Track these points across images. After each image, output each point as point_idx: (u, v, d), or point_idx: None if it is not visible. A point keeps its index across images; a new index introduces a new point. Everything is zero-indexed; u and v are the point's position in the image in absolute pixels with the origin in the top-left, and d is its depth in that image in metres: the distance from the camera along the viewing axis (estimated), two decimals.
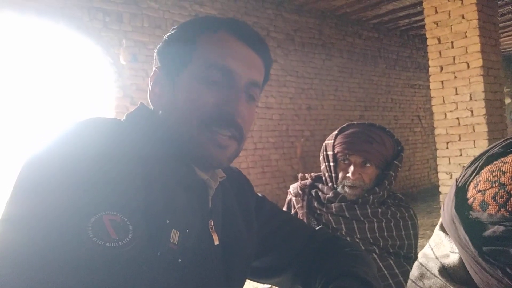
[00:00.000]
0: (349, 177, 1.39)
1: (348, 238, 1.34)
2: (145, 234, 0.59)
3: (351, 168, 1.38)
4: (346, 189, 1.40)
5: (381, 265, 1.31)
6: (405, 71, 9.14)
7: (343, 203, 1.41)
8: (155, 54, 0.80)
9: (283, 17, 6.72)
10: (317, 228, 1.01)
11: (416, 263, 0.78)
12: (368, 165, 1.38)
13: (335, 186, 1.45)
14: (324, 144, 1.50)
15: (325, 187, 1.48)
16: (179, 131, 0.72)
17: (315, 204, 1.47)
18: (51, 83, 5.42)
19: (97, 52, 5.08)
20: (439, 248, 0.73)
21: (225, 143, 0.73)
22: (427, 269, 0.74)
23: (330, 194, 1.44)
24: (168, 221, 0.65)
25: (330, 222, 1.42)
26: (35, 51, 5.21)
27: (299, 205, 1.52)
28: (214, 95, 0.72)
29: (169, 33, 0.79)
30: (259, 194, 0.99)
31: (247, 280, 0.92)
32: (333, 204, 1.43)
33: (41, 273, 0.51)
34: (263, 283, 1.01)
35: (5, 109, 5.20)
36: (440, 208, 5.63)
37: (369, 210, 1.40)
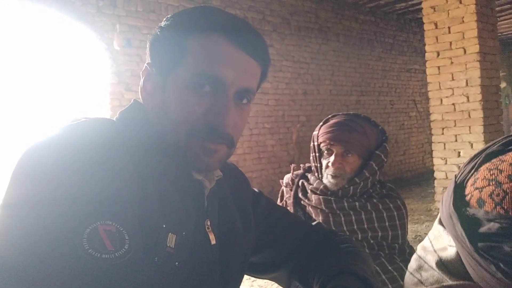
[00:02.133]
0: (330, 166, 1.41)
1: None
2: (141, 241, 0.58)
3: (332, 157, 1.41)
4: (329, 178, 1.42)
5: None
6: (401, 55, 9.10)
7: (321, 196, 1.44)
8: (147, 45, 0.76)
9: (279, 1, 6.63)
10: (313, 224, 1.01)
11: (414, 256, 0.80)
12: (350, 155, 1.40)
13: (320, 176, 1.47)
14: (312, 135, 1.53)
15: (312, 177, 1.51)
16: (168, 137, 0.71)
17: (300, 195, 1.50)
18: (45, 70, 5.35)
19: (91, 37, 5.01)
20: (438, 241, 0.75)
21: (215, 148, 0.71)
22: (425, 262, 0.75)
23: (314, 185, 1.47)
24: (164, 226, 0.64)
25: (311, 214, 1.45)
26: (27, 36, 5.12)
27: (287, 195, 1.57)
28: (203, 105, 0.69)
29: (161, 25, 0.74)
30: (256, 190, 0.99)
31: (245, 275, 0.92)
32: (313, 196, 1.46)
33: (35, 282, 0.50)
34: (261, 278, 1.01)
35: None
36: (434, 193, 5.72)
37: (345, 204, 1.42)
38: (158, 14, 5.33)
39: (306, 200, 1.48)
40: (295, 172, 1.60)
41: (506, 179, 0.63)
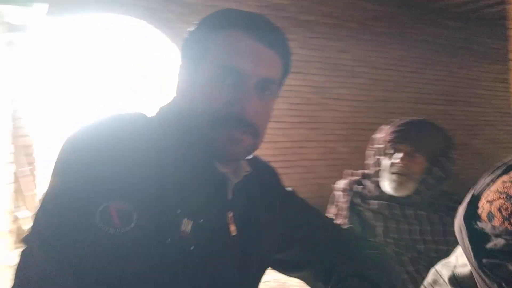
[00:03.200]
0: (396, 163, 1.34)
1: (383, 236, 1.34)
2: (151, 222, 0.64)
3: (400, 154, 1.35)
4: (394, 177, 1.35)
5: (412, 269, 1.30)
6: (494, 64, 8.40)
7: (384, 201, 1.38)
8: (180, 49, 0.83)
9: (357, 6, 6.52)
10: (345, 227, 1.00)
11: (432, 270, 0.81)
12: (417, 155, 1.34)
13: (379, 181, 1.41)
14: (372, 137, 1.50)
15: (369, 182, 1.47)
16: (194, 129, 0.76)
17: (357, 200, 1.46)
18: (126, 78, 5.79)
19: (172, 44, 5.33)
20: (463, 257, 0.73)
21: (239, 137, 0.75)
22: (441, 276, 0.77)
23: (373, 189, 1.42)
24: (179, 211, 0.70)
25: (368, 219, 1.41)
26: (112, 45, 5.60)
27: (342, 200, 1.52)
28: (225, 96, 0.74)
29: (190, 29, 0.81)
30: (289, 188, 1.01)
31: (275, 271, 0.98)
32: (373, 201, 1.41)
33: (56, 248, 0.61)
34: (288, 275, 1.00)
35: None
36: None
37: (411, 212, 1.35)
38: None
39: (364, 205, 1.43)
40: (352, 178, 1.57)
41: None
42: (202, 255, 0.73)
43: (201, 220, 0.72)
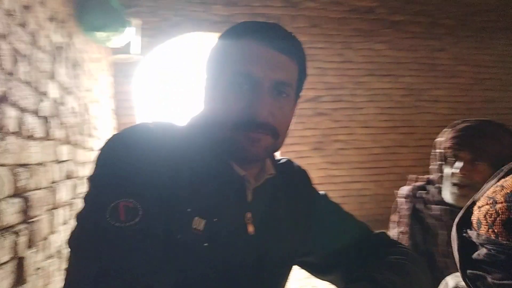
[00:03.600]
0: (456, 173, 1.26)
1: (445, 246, 1.27)
2: (158, 218, 0.72)
3: (459, 164, 1.26)
4: (454, 189, 1.26)
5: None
6: None
7: (448, 207, 1.30)
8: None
9: (454, 1, 6.08)
10: (376, 232, 1.00)
11: (443, 281, 0.80)
12: (479, 163, 1.23)
13: (441, 187, 1.34)
14: (434, 141, 1.41)
15: (432, 188, 1.40)
16: (216, 134, 0.82)
17: (420, 206, 1.40)
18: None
19: None
20: None
21: (258, 137, 0.80)
22: (447, 285, 0.77)
23: (436, 194, 1.35)
24: (189, 210, 0.76)
25: (431, 226, 1.34)
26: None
27: (405, 207, 1.46)
28: (242, 100, 0.80)
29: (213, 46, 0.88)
30: (321, 192, 1.03)
31: (308, 273, 1.02)
32: (435, 206, 1.34)
33: (79, 234, 0.72)
34: (320, 279, 1.02)
35: None
36: None
37: None
38: (319, 27, 5.52)
39: (426, 211, 1.37)
40: (415, 184, 1.50)
41: (502, 198, 0.55)
42: (217, 251, 0.78)
43: (215, 219, 0.78)
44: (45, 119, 1.94)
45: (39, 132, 1.81)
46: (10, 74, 1.51)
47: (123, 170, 0.73)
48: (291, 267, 0.96)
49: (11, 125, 1.49)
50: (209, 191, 0.81)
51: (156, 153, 0.76)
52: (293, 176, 1.00)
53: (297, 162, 1.05)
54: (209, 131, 0.84)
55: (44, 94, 1.96)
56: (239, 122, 0.79)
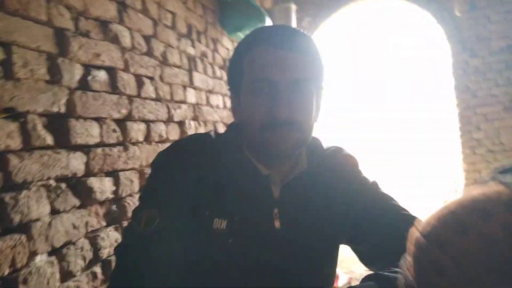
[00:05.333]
0: None
1: None
2: (173, 225, 0.83)
3: None
4: None
5: None
6: None
7: None
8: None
9: None
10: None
11: None
12: None
13: None
14: None
15: None
16: (247, 137, 0.92)
17: None
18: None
19: (426, 14, 4.94)
20: None
21: (284, 134, 0.86)
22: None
23: None
24: (207, 213, 0.86)
25: None
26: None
27: None
28: (263, 104, 0.86)
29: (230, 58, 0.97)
30: (370, 180, 1.02)
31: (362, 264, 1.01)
32: None
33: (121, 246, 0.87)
34: (368, 269, 1.00)
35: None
36: None
37: None
38: None
39: None
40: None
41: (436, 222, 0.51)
42: (243, 247, 0.86)
43: (236, 219, 0.86)
44: (181, 123, 2.35)
45: (172, 135, 2.22)
46: (134, 96, 1.92)
47: (155, 183, 0.89)
48: (332, 256, 0.99)
49: (140, 136, 1.91)
50: (231, 192, 0.88)
51: (187, 165, 0.88)
52: (335, 167, 1.00)
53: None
54: (239, 136, 0.94)
55: (182, 102, 2.38)
56: (264, 123, 0.86)
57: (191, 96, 2.52)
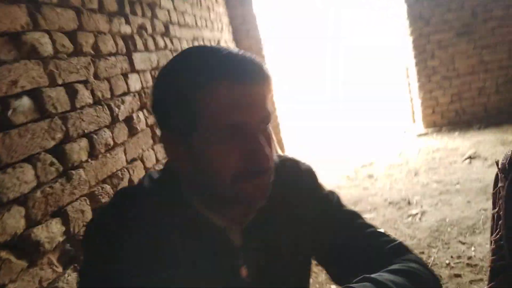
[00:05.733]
0: None
1: None
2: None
3: None
4: None
5: None
6: None
7: None
8: (152, 112, 0.80)
9: None
10: (394, 243, 0.89)
11: None
12: None
13: None
14: None
15: None
16: (207, 188, 0.76)
17: None
18: None
19: None
20: None
21: (262, 184, 0.75)
22: None
23: None
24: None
25: None
26: None
27: (500, 185, 1.17)
28: (238, 151, 0.72)
29: (158, 83, 0.77)
30: (331, 195, 0.96)
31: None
32: None
33: None
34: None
35: None
36: None
37: None
38: None
39: None
40: None
41: None
42: None
43: (202, 284, 0.76)
44: (128, 119, 2.13)
45: (120, 137, 2.01)
46: (68, 111, 1.67)
47: (93, 274, 0.74)
48: (306, 281, 0.96)
49: (83, 155, 1.70)
50: (187, 258, 0.77)
51: (125, 245, 0.74)
52: (297, 186, 0.93)
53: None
54: (180, 184, 0.80)
55: (125, 93, 2.13)
56: (238, 174, 0.73)
57: (134, 82, 2.26)
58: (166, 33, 2.82)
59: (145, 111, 2.32)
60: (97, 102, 1.87)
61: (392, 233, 2.96)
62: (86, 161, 1.71)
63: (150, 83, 2.46)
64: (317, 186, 0.97)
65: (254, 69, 0.73)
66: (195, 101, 0.71)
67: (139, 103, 2.28)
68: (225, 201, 0.78)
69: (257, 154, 0.73)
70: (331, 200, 0.96)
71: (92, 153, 1.76)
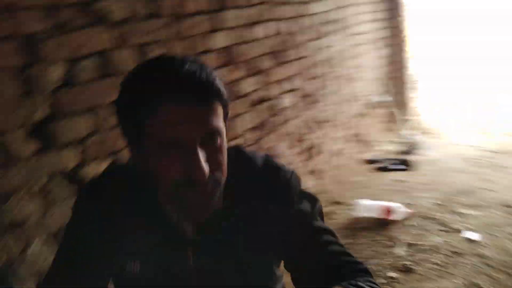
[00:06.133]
0: None
1: None
2: (89, 267, 0.95)
3: None
4: None
5: None
6: None
7: None
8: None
9: None
10: (358, 264, 0.91)
11: None
12: None
13: None
14: None
15: None
16: (160, 189, 0.87)
17: None
18: None
19: None
20: None
21: (202, 193, 0.83)
22: None
23: None
24: (123, 256, 0.95)
25: None
26: None
27: None
28: (175, 165, 0.80)
29: (119, 93, 0.85)
30: (302, 208, 0.97)
31: None
32: None
33: None
34: None
35: None
36: None
37: None
38: None
39: None
40: None
41: None
42: (160, 284, 0.95)
43: (150, 262, 0.93)
44: None
45: None
46: None
47: (74, 228, 1.01)
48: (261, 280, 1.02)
49: None
50: (145, 235, 0.93)
51: (103, 207, 0.96)
52: (270, 190, 0.97)
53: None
54: (147, 183, 0.89)
55: (207, 51, 2.31)
56: (179, 183, 0.82)
57: (220, 39, 2.40)
58: None
59: (230, 66, 2.46)
60: None
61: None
62: None
63: (242, 39, 2.56)
64: (290, 199, 0.98)
65: (195, 91, 0.78)
66: (138, 118, 0.81)
67: (224, 59, 2.43)
68: (171, 201, 0.88)
69: (191, 167, 0.79)
70: (303, 214, 0.97)
71: None
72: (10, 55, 1.46)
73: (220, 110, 0.84)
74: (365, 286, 0.81)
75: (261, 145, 2.85)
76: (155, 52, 1.98)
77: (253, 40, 2.68)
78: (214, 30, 2.37)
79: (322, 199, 1.06)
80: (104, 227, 0.94)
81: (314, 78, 3.57)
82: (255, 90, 2.79)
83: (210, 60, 2.33)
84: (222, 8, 2.41)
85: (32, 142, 1.53)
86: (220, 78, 0.85)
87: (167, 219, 0.93)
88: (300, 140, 3.44)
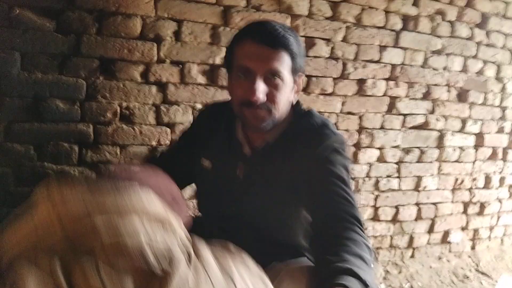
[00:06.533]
0: None
1: None
2: (177, 159, 1.37)
3: None
4: None
5: None
6: None
7: None
8: None
9: None
10: (361, 237, 0.98)
11: None
12: None
13: None
14: None
15: None
16: (234, 109, 1.19)
17: None
18: None
19: None
20: None
21: (256, 113, 1.09)
22: None
23: None
24: (200, 153, 1.31)
25: None
26: None
27: None
28: (242, 87, 1.10)
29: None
30: (327, 169, 1.07)
31: None
32: None
33: None
34: None
35: None
36: None
37: None
38: None
39: None
40: None
41: None
42: (217, 182, 1.23)
43: (216, 161, 1.24)
44: (361, 81, 2.58)
45: (344, 91, 2.53)
46: None
47: (188, 128, 1.45)
48: (287, 218, 1.17)
49: None
50: (219, 142, 1.26)
51: (204, 122, 1.36)
52: (308, 144, 1.12)
53: None
54: (228, 107, 1.24)
55: (371, 61, 2.57)
56: (241, 102, 1.10)
57: (392, 56, 2.58)
58: (480, 25, 2.75)
59: (390, 82, 2.63)
60: (332, 57, 2.44)
61: None
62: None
63: (416, 63, 2.67)
64: (328, 159, 1.08)
65: (271, 37, 1.05)
66: (233, 51, 1.13)
67: (388, 74, 2.61)
68: (240, 120, 1.20)
69: (251, 91, 1.04)
70: (334, 173, 1.06)
71: (305, 90, 2.43)
72: None
73: (286, 60, 1.07)
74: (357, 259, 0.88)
75: None
76: None
77: None
78: None
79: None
80: (200, 135, 1.32)
81: None
82: None
83: None
84: None
85: (200, 76, 2.19)
86: (300, 41, 1.10)
87: (236, 136, 1.23)
88: None
